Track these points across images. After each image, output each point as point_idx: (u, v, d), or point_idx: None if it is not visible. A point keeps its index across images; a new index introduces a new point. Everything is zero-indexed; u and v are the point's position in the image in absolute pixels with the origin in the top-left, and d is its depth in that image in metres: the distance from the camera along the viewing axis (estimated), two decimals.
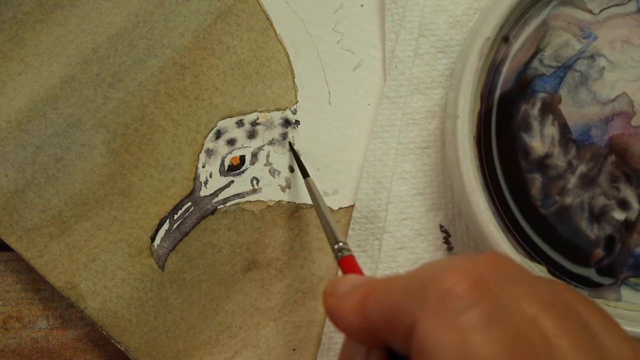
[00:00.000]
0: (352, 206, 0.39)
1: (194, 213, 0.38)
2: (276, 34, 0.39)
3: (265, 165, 0.39)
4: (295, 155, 0.38)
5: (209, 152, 0.38)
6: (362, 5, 0.39)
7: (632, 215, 0.36)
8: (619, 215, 0.36)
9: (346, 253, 0.29)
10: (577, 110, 0.36)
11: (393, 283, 0.23)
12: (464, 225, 0.38)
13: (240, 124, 0.38)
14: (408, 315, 0.21)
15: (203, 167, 0.38)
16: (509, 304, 0.20)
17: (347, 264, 0.29)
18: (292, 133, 0.39)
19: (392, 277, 0.24)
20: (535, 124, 0.36)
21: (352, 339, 0.24)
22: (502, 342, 0.19)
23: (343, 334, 0.24)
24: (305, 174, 0.36)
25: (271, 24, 0.39)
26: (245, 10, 0.39)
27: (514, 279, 0.22)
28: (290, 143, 0.38)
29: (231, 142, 0.38)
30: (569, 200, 0.36)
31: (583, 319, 0.22)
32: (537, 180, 0.36)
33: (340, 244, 0.30)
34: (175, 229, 0.38)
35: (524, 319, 0.20)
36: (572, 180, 0.36)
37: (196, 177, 0.38)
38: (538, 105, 0.36)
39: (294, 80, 0.39)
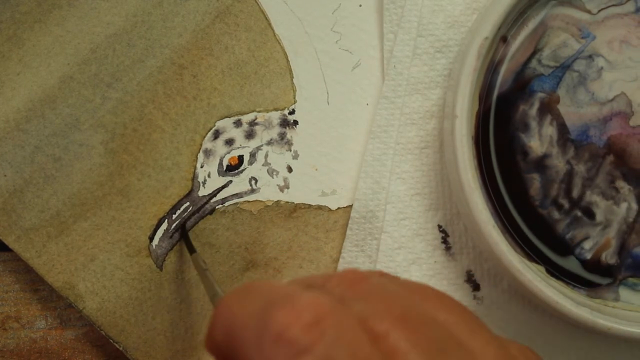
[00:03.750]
0: (351, 206, 0.39)
1: (192, 213, 0.38)
2: (274, 34, 0.39)
3: (263, 165, 0.39)
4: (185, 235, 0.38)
5: (207, 152, 0.38)
6: (360, 5, 0.39)
7: (631, 216, 0.36)
8: (617, 215, 0.36)
9: None
10: (575, 110, 0.36)
11: (237, 305, 0.21)
12: (462, 225, 0.38)
13: (238, 124, 0.38)
14: (245, 354, 0.20)
15: (201, 167, 0.38)
16: (347, 340, 0.19)
17: None
18: (290, 133, 0.39)
19: (238, 295, 0.22)
20: (534, 124, 0.36)
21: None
22: None
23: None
24: (192, 250, 0.36)
25: (269, 24, 0.39)
26: (244, 10, 0.39)
27: (363, 297, 0.21)
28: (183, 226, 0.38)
29: (229, 142, 0.38)
30: (567, 200, 0.36)
31: (442, 326, 0.21)
32: (535, 181, 0.36)
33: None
34: (174, 229, 0.38)
35: (366, 348, 0.19)
36: (571, 181, 0.36)
37: (194, 177, 0.38)
38: (536, 105, 0.36)
39: (292, 80, 0.39)
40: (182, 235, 0.38)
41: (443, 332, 0.21)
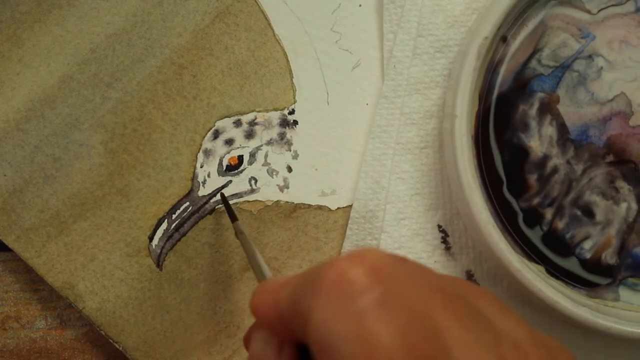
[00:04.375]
0: (350, 206, 0.39)
1: (192, 213, 0.38)
2: (274, 34, 0.39)
3: (263, 165, 0.39)
4: (225, 202, 0.38)
5: (207, 152, 0.38)
6: (360, 5, 0.39)
7: (631, 216, 0.36)
8: (617, 215, 0.36)
9: None
10: (575, 110, 0.36)
11: (299, 275, 0.23)
12: (462, 225, 0.38)
13: (238, 123, 0.38)
14: (304, 305, 0.21)
15: (201, 167, 0.38)
16: (402, 289, 0.20)
17: None
18: (290, 133, 0.39)
19: (300, 274, 0.24)
20: (534, 124, 0.36)
21: (271, 332, 0.24)
22: (396, 327, 0.19)
23: (271, 334, 0.24)
24: (233, 218, 0.36)
25: (269, 24, 0.39)
26: (244, 10, 0.39)
27: (408, 269, 0.22)
28: (222, 194, 0.38)
29: (229, 142, 0.38)
30: (567, 200, 0.36)
31: (475, 305, 0.22)
32: (535, 180, 0.36)
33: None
34: (174, 228, 0.38)
35: (418, 303, 0.20)
36: (570, 181, 0.36)
37: (194, 177, 0.38)
38: (536, 105, 0.36)
39: (292, 80, 0.39)
40: (224, 202, 0.38)
41: (476, 310, 0.22)
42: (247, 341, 0.27)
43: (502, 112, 0.36)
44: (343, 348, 0.19)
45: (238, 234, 0.35)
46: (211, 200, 0.38)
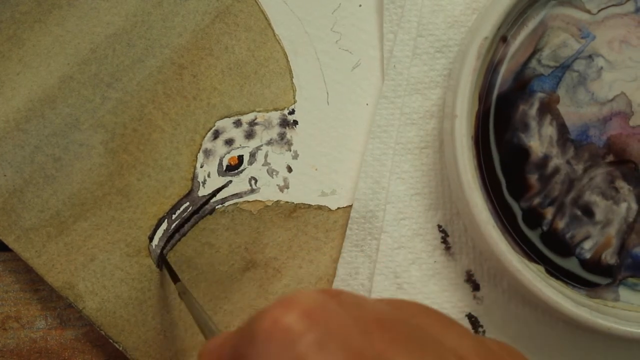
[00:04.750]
0: (350, 206, 0.39)
1: (192, 213, 0.38)
2: (274, 34, 0.39)
3: (263, 165, 0.39)
4: (166, 262, 0.37)
5: (207, 152, 0.38)
6: (360, 5, 0.39)
7: (631, 216, 0.36)
8: (617, 215, 0.36)
9: None
10: (575, 110, 0.36)
11: (237, 329, 0.22)
12: (462, 225, 0.38)
13: (238, 124, 0.38)
14: (244, 358, 0.20)
15: (201, 167, 0.38)
16: (339, 328, 0.20)
17: None
18: (290, 133, 0.39)
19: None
20: (534, 124, 0.36)
21: None
22: None
23: None
24: (175, 280, 0.36)
25: (269, 24, 0.39)
26: (244, 10, 0.39)
27: (342, 305, 0.21)
28: (162, 254, 0.38)
29: (229, 142, 0.38)
30: (567, 200, 0.36)
31: (418, 327, 0.21)
32: (535, 180, 0.36)
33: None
34: (174, 229, 0.38)
35: (357, 339, 0.20)
36: (570, 181, 0.36)
37: (194, 177, 0.38)
38: (536, 105, 0.36)
39: (292, 80, 0.39)
40: (164, 264, 0.37)
41: (418, 331, 0.21)
42: None
43: (502, 112, 0.36)
44: None
45: (181, 294, 0.34)
46: (211, 201, 0.38)
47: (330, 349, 0.19)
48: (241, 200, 0.38)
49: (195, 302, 0.33)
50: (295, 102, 0.39)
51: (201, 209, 0.38)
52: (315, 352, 0.19)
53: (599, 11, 0.36)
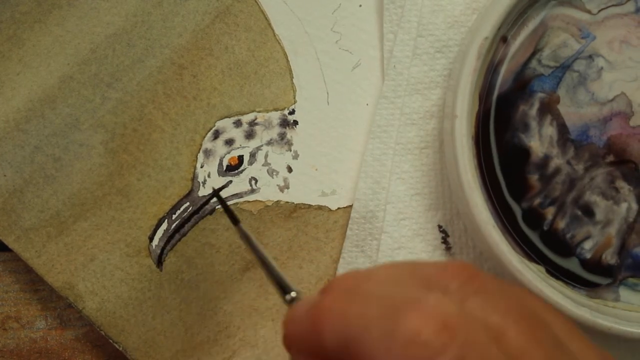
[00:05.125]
0: (351, 206, 0.39)
1: (192, 213, 0.38)
2: (274, 34, 0.39)
3: (263, 165, 0.39)
4: (223, 203, 0.35)
5: (207, 152, 0.38)
6: (360, 5, 0.39)
7: (631, 216, 0.36)
8: (617, 215, 0.36)
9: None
10: (575, 110, 0.36)
11: (349, 309, 0.22)
12: (462, 225, 0.38)
13: (238, 124, 0.38)
14: (369, 355, 0.20)
15: (201, 167, 0.38)
16: (476, 339, 0.20)
17: None
18: (290, 133, 0.39)
19: (344, 297, 0.22)
20: (534, 124, 0.36)
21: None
22: None
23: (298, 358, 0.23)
24: (235, 221, 0.33)
25: (269, 24, 0.39)
26: (244, 10, 0.39)
27: (481, 293, 0.21)
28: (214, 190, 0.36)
29: (229, 142, 0.38)
30: (567, 200, 0.36)
31: (550, 327, 0.22)
32: (535, 181, 0.36)
33: (293, 294, 0.27)
34: (174, 229, 0.38)
35: (495, 350, 0.20)
36: (571, 181, 0.36)
37: (194, 177, 0.38)
38: (536, 105, 0.36)
39: (292, 80, 0.39)
40: (222, 205, 0.34)
41: (553, 334, 0.22)
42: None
43: (502, 113, 0.36)
44: None
45: (242, 237, 0.32)
46: (211, 201, 0.38)
47: None
48: (241, 200, 0.38)
49: (260, 247, 0.31)
50: (295, 102, 0.39)
51: (201, 209, 0.38)
52: None
53: (599, 11, 0.36)
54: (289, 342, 0.23)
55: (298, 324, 0.23)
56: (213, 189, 0.37)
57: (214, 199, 0.38)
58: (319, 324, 0.22)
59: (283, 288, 0.28)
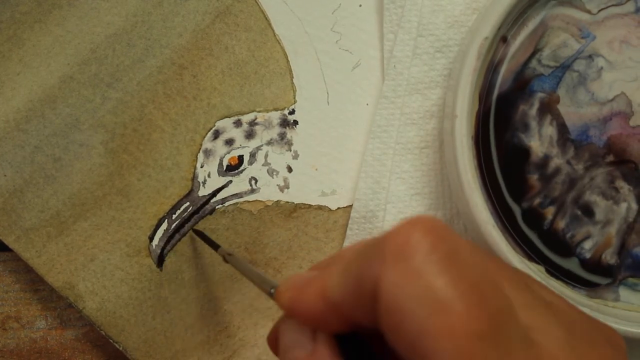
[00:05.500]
0: (351, 206, 0.39)
1: (192, 213, 0.38)
2: (274, 34, 0.39)
3: (263, 165, 0.39)
4: (203, 237, 0.37)
5: (207, 152, 0.38)
6: (360, 5, 0.39)
7: (631, 216, 0.36)
8: (617, 215, 0.36)
9: None
10: (575, 110, 0.36)
11: (348, 255, 0.23)
12: (462, 225, 0.38)
13: (238, 124, 0.38)
14: (370, 276, 0.21)
15: (201, 167, 0.38)
16: (461, 248, 0.21)
17: None
18: (290, 133, 0.39)
19: (343, 250, 0.24)
20: (534, 124, 0.36)
21: (316, 327, 0.24)
22: (465, 282, 0.20)
23: (304, 325, 0.24)
24: (215, 247, 0.35)
25: (269, 24, 0.39)
26: (244, 10, 0.39)
27: (451, 230, 0.22)
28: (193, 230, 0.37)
29: (229, 142, 0.38)
30: (567, 200, 0.36)
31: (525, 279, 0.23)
32: (535, 180, 0.36)
33: (275, 288, 0.28)
34: (174, 229, 0.38)
35: (481, 262, 0.21)
36: (571, 181, 0.36)
37: (194, 177, 0.38)
38: (536, 105, 0.36)
39: (292, 80, 0.39)
40: (200, 236, 0.37)
41: (527, 283, 0.24)
42: (272, 340, 0.26)
43: (502, 112, 0.36)
44: (417, 309, 0.19)
45: (226, 258, 0.34)
46: (211, 201, 0.38)
47: (458, 265, 0.20)
48: (241, 200, 0.38)
49: (243, 262, 0.32)
50: (295, 102, 0.39)
51: (201, 209, 0.38)
52: (444, 266, 0.20)
53: (599, 11, 0.36)
54: (295, 305, 0.24)
55: (299, 290, 0.24)
56: (193, 230, 0.38)
57: (214, 199, 0.38)
58: (325, 281, 0.23)
59: (267, 286, 0.29)
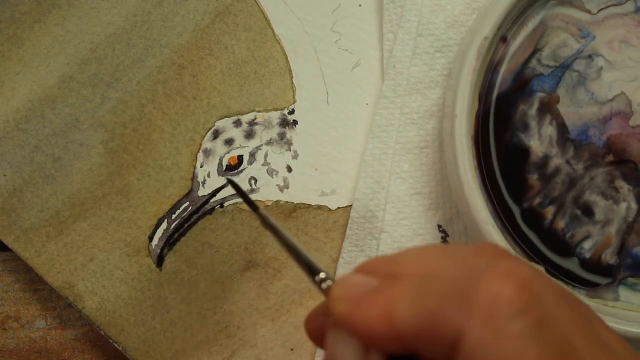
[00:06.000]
0: (351, 206, 0.39)
1: (192, 213, 0.38)
2: (274, 34, 0.39)
3: (263, 165, 0.39)
4: (242, 193, 0.32)
5: (207, 152, 0.38)
6: (360, 5, 0.39)
7: (631, 216, 0.36)
8: (617, 215, 0.36)
9: (331, 283, 0.25)
10: (575, 110, 0.36)
11: (425, 287, 0.21)
12: (462, 225, 0.38)
13: (238, 124, 0.38)
14: (452, 325, 0.20)
15: (201, 167, 0.38)
16: (552, 309, 0.20)
17: None
18: (290, 133, 0.39)
19: (418, 278, 0.22)
20: (534, 124, 0.36)
21: (371, 346, 0.22)
22: (554, 350, 0.19)
23: (360, 342, 0.22)
24: (255, 208, 0.30)
25: (269, 24, 0.39)
26: (244, 10, 0.39)
27: (550, 286, 0.21)
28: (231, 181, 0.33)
29: (229, 142, 0.38)
30: (567, 200, 0.36)
31: (592, 323, 0.22)
32: (535, 181, 0.36)
33: (322, 274, 0.25)
34: (174, 229, 0.38)
35: (568, 327, 0.20)
36: (570, 181, 0.36)
37: (194, 177, 0.38)
38: (536, 105, 0.36)
39: (292, 80, 0.39)
40: (238, 191, 0.32)
41: (595, 329, 0.22)
42: (314, 329, 0.25)
43: (502, 112, 0.36)
44: None
45: (264, 223, 0.29)
46: (211, 201, 0.38)
47: (549, 331, 0.19)
48: (241, 200, 0.38)
49: (286, 234, 0.28)
50: (295, 102, 0.39)
51: (201, 209, 0.38)
52: (535, 332, 0.19)
53: (599, 11, 0.36)
54: (354, 320, 0.22)
55: (361, 304, 0.22)
56: (227, 179, 0.34)
57: (214, 199, 0.38)
58: (393, 305, 0.21)
59: (312, 270, 0.26)
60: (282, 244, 0.27)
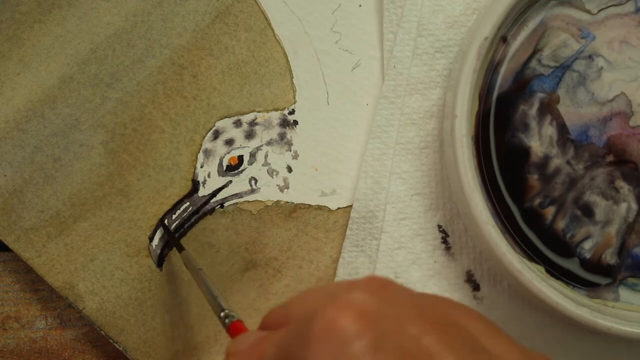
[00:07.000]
0: (350, 206, 0.39)
1: (192, 213, 0.38)
2: (274, 34, 0.39)
3: (263, 165, 0.39)
4: (170, 234, 0.37)
5: (207, 153, 0.38)
6: (360, 5, 0.39)
7: (631, 216, 0.36)
8: (617, 215, 0.36)
9: (233, 319, 0.29)
10: (575, 110, 0.36)
11: (288, 330, 0.23)
12: (462, 225, 0.38)
13: (238, 124, 0.38)
14: (297, 356, 0.21)
15: (201, 167, 0.38)
16: (392, 329, 0.20)
17: (236, 329, 0.29)
18: (290, 133, 0.39)
19: (293, 306, 0.24)
20: (534, 124, 0.36)
21: None
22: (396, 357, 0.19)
23: None
24: (180, 248, 0.36)
25: (269, 24, 0.39)
26: (244, 10, 0.39)
27: (395, 302, 0.22)
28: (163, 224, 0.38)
29: (229, 142, 0.38)
30: (567, 200, 0.36)
31: (467, 331, 0.22)
32: (535, 181, 0.36)
33: (226, 311, 0.30)
34: (174, 229, 0.38)
35: (409, 341, 0.20)
36: (570, 181, 0.36)
37: (194, 177, 0.38)
38: (536, 105, 0.36)
39: (292, 80, 0.39)
40: (167, 233, 0.37)
41: (468, 337, 0.22)
42: None
43: (502, 113, 0.36)
44: None
45: (186, 264, 0.35)
46: (211, 201, 0.38)
47: (386, 351, 0.20)
48: (241, 200, 0.38)
49: (203, 275, 0.33)
50: (295, 102, 0.39)
51: (201, 209, 0.38)
52: (371, 353, 0.20)
53: (599, 11, 0.36)
54: None
55: (241, 355, 0.24)
56: (162, 224, 0.38)
57: (214, 199, 0.38)
58: (259, 351, 0.23)
59: (220, 307, 0.30)
60: (198, 282, 0.33)
